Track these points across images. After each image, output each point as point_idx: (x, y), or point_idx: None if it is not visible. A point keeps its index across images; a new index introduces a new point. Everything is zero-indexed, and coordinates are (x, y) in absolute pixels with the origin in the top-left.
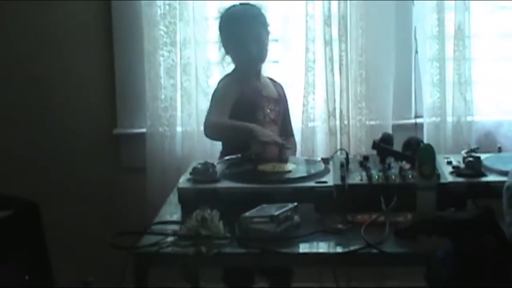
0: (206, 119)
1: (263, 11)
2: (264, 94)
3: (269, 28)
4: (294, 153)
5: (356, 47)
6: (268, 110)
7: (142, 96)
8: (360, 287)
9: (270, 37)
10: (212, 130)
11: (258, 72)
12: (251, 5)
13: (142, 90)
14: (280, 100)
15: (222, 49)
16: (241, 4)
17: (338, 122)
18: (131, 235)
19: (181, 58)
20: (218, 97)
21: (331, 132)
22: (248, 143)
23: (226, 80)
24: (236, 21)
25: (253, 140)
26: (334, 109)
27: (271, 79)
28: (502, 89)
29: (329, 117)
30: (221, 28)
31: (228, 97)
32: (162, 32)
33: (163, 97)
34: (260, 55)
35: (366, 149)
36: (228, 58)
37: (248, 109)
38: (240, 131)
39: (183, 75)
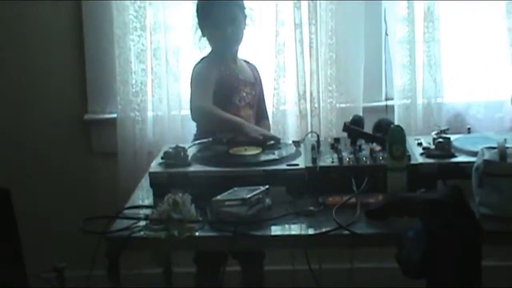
0: (191, 102)
1: None
2: (240, 77)
3: (246, 12)
4: None
5: (326, 30)
6: (244, 94)
7: (113, 81)
8: (332, 268)
9: (247, 21)
10: (200, 114)
11: (234, 55)
12: None
13: (113, 75)
14: (256, 84)
15: (199, 31)
16: None
17: (308, 105)
18: (101, 220)
19: (151, 43)
20: (199, 79)
21: (302, 115)
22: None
23: (204, 63)
24: (213, 2)
25: (242, 135)
26: (305, 92)
27: (246, 61)
28: (471, 71)
29: (299, 100)
30: (199, 9)
31: (209, 79)
32: (131, 17)
33: (133, 82)
34: (236, 37)
35: (337, 131)
36: (205, 42)
37: (224, 93)
38: (229, 125)
39: (153, 60)
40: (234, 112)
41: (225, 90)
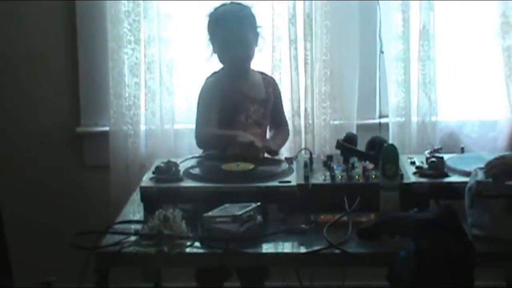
0: (195, 130)
1: (252, 11)
2: (249, 95)
3: (259, 30)
4: (285, 142)
5: (321, 46)
6: (251, 112)
7: (106, 94)
8: (324, 286)
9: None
10: (202, 142)
11: (245, 71)
12: (241, 5)
13: (106, 88)
14: (268, 100)
15: (210, 47)
16: (231, 3)
17: (303, 121)
18: (92, 235)
19: (145, 56)
20: (202, 103)
21: (296, 131)
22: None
23: (211, 80)
24: (222, 22)
25: (232, 143)
26: (299, 107)
27: (262, 73)
28: (466, 89)
29: (293, 116)
30: (209, 27)
31: (213, 102)
32: (126, 30)
33: (126, 95)
34: (245, 57)
35: (330, 148)
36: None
37: (229, 111)
38: (226, 139)
39: (147, 73)
40: (241, 130)
41: (230, 108)
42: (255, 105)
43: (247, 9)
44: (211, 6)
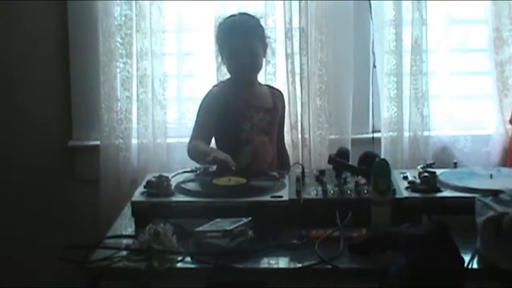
0: (189, 141)
1: (261, 22)
2: (253, 104)
3: (267, 40)
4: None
5: (316, 61)
6: (256, 120)
7: (98, 108)
8: None
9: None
10: (190, 154)
11: (251, 82)
12: (250, 16)
13: (98, 102)
14: (274, 110)
15: (220, 57)
16: (240, 14)
17: (300, 135)
18: (79, 249)
19: (137, 70)
20: (202, 111)
21: (294, 145)
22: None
23: (216, 89)
24: (230, 32)
25: (207, 159)
26: (296, 121)
27: (270, 86)
28: (459, 104)
29: (291, 130)
30: (217, 37)
31: (212, 111)
32: (118, 44)
33: (118, 109)
34: (253, 67)
35: (326, 163)
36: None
37: (233, 120)
38: (203, 155)
39: (139, 87)
40: (246, 138)
41: (234, 116)
42: (260, 113)
43: (255, 20)
44: (216, 19)
